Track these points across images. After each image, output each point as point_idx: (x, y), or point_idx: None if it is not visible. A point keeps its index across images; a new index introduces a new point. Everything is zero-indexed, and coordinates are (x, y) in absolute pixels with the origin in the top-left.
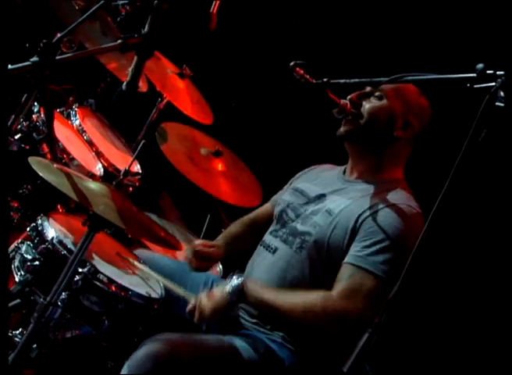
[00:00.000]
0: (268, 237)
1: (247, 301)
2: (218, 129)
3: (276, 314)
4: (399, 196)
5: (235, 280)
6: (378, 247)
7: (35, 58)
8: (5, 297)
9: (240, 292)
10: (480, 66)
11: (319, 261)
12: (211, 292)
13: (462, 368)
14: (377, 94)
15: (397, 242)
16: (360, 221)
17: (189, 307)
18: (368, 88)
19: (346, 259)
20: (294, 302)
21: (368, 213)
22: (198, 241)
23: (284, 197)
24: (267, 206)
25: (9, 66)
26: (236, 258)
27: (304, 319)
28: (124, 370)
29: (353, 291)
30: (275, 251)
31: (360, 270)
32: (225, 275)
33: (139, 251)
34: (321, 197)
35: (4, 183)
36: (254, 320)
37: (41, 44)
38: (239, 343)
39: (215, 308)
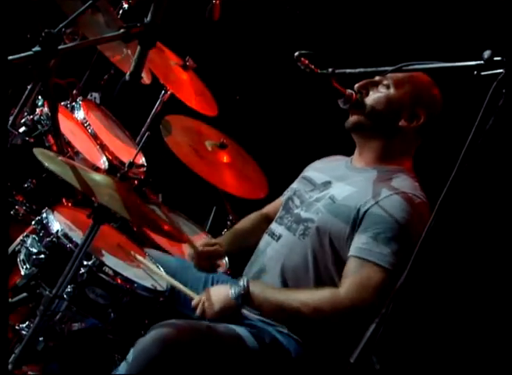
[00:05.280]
0: (273, 225)
1: (253, 304)
2: (222, 121)
3: (284, 315)
4: (404, 184)
5: (239, 284)
6: (383, 237)
7: (37, 48)
8: (5, 294)
9: (245, 296)
10: (487, 52)
11: (322, 248)
12: (216, 290)
13: (467, 362)
14: (385, 83)
15: (403, 231)
16: (363, 210)
17: (194, 302)
18: (377, 77)
19: (352, 252)
20: (302, 301)
21: (372, 202)
22: (200, 242)
23: (293, 185)
24: (279, 200)
25: (11, 57)
26: (243, 251)
27: (313, 317)
28: (130, 355)
29: (360, 287)
30: (279, 238)
31: (367, 263)
32: (231, 267)
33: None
34: (326, 184)
35: (4, 180)
36: (258, 312)
37: (43, 34)
38: (244, 333)
39: (220, 311)
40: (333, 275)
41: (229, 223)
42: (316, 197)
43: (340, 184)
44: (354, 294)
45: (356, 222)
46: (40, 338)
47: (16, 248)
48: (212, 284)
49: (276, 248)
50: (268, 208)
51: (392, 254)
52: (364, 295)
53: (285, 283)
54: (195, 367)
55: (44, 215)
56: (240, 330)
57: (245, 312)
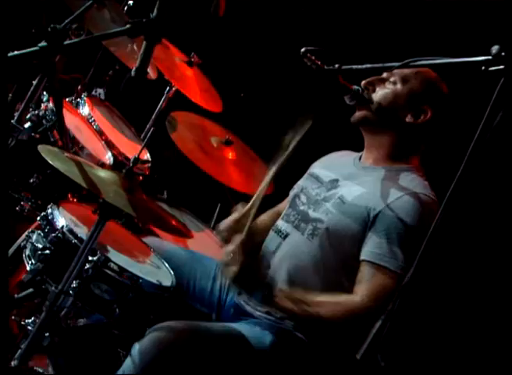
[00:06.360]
0: (279, 222)
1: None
2: (227, 118)
3: (299, 313)
4: (414, 183)
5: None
6: (396, 241)
7: (43, 44)
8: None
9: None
10: (495, 47)
11: (331, 249)
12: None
13: (471, 361)
14: (392, 79)
15: (415, 234)
16: (374, 212)
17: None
18: (384, 74)
19: (365, 256)
20: (319, 302)
21: (383, 204)
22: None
23: (299, 182)
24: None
25: (16, 52)
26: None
27: (327, 319)
28: (129, 358)
29: (375, 294)
30: (285, 236)
31: (381, 269)
32: None
33: (149, 239)
34: (334, 182)
35: (9, 176)
36: (264, 309)
37: (49, 29)
38: (247, 331)
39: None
40: (341, 276)
41: None
42: (324, 196)
43: (349, 183)
44: (369, 303)
45: (367, 224)
46: (46, 334)
47: (22, 244)
48: (221, 279)
49: (283, 246)
50: (280, 206)
51: (405, 258)
52: (378, 303)
53: (291, 282)
54: (194, 369)
55: (50, 210)
56: (243, 329)
57: (249, 308)
